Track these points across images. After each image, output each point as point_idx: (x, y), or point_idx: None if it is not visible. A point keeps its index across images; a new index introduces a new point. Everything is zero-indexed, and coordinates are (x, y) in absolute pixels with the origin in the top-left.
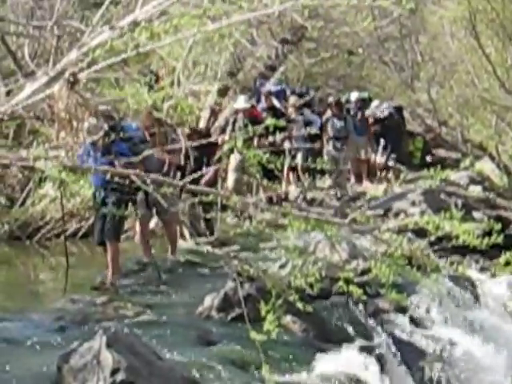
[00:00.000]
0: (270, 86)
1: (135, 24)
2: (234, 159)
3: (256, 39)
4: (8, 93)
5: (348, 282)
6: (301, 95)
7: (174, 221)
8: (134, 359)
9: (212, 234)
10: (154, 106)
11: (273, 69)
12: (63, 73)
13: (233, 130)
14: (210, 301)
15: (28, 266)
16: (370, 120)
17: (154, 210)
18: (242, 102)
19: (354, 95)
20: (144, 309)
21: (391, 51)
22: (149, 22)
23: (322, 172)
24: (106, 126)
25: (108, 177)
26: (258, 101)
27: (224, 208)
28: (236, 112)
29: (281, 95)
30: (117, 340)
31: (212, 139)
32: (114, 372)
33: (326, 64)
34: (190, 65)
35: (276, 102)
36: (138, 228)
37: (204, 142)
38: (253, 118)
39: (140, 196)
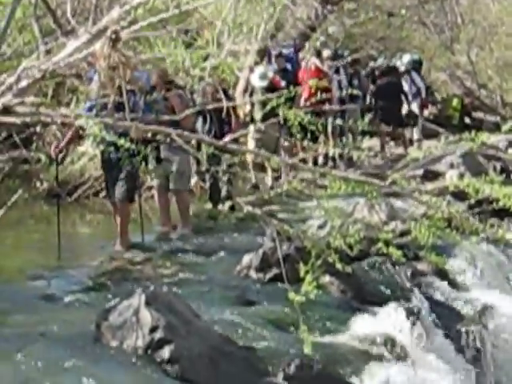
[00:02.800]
0: (281, 48)
1: None
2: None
3: None
4: (48, 51)
5: (387, 243)
6: (336, 56)
7: (185, 191)
8: (173, 318)
9: (230, 197)
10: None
11: (313, 29)
12: (105, 31)
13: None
14: (249, 260)
15: (66, 223)
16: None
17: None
18: (257, 79)
19: (406, 57)
20: (182, 267)
21: (431, 13)
22: None
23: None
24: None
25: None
26: (269, 62)
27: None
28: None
29: (292, 58)
30: (155, 298)
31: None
32: (153, 330)
33: (366, 25)
34: (230, 24)
35: (287, 65)
36: (155, 195)
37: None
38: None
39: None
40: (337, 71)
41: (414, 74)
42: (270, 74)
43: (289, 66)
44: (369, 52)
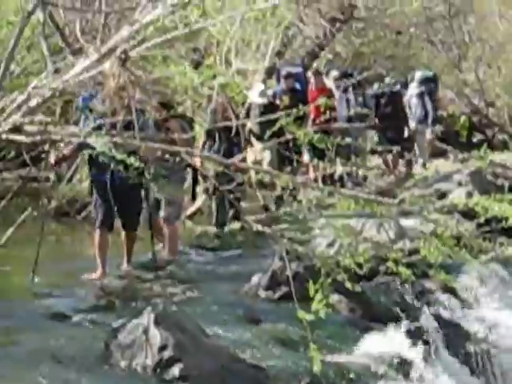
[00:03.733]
0: (290, 67)
1: (187, 2)
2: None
3: (304, 18)
4: (56, 70)
5: (397, 262)
6: (345, 75)
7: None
8: (182, 336)
9: (238, 218)
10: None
11: (321, 48)
12: (114, 50)
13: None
14: (257, 279)
15: (75, 241)
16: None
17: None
18: (256, 95)
19: (418, 75)
20: (191, 286)
21: (439, 31)
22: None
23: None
24: None
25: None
26: (278, 81)
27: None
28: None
29: (302, 77)
30: (165, 317)
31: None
32: (162, 349)
33: (374, 44)
34: (238, 43)
35: (296, 84)
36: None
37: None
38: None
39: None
40: (345, 90)
41: (427, 99)
42: (270, 93)
43: (298, 86)
44: (377, 70)
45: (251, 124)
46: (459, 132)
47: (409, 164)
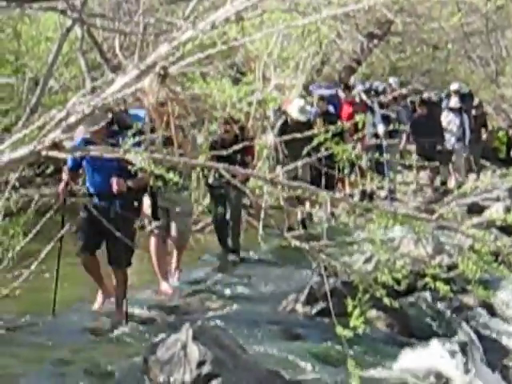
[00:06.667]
0: (322, 89)
1: (226, 19)
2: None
3: (341, 33)
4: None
5: (435, 278)
6: (376, 92)
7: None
8: (220, 352)
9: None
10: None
11: (358, 63)
12: (154, 66)
13: (282, 133)
14: (295, 295)
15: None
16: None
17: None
18: (296, 111)
19: (455, 88)
20: (228, 301)
21: (476, 46)
22: (239, 17)
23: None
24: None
25: (115, 190)
26: (311, 104)
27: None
28: (282, 111)
29: (334, 99)
30: (203, 332)
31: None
32: (200, 364)
33: (411, 59)
34: (277, 59)
35: (330, 107)
36: (152, 246)
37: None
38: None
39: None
40: (371, 109)
41: (465, 117)
42: (309, 109)
43: (331, 109)
44: (414, 86)
45: (274, 139)
46: (498, 147)
47: (445, 180)
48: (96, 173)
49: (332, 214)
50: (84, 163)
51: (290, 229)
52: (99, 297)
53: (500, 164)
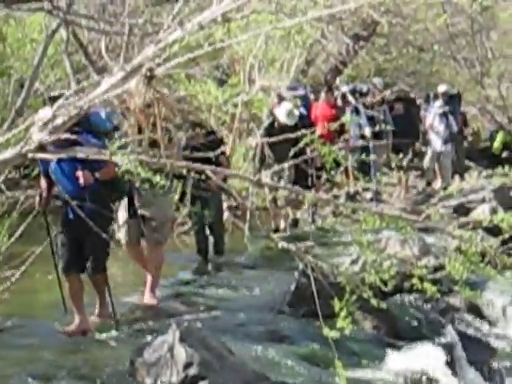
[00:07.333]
0: (291, 91)
1: (213, 20)
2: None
3: (327, 34)
4: (80, 89)
5: (422, 279)
6: (361, 93)
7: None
8: (207, 354)
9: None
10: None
11: (344, 64)
12: (140, 68)
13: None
14: (282, 296)
15: None
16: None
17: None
18: (283, 115)
19: (442, 88)
20: (215, 303)
21: (461, 47)
22: (226, 18)
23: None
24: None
25: (82, 183)
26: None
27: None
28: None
29: (304, 101)
30: (190, 334)
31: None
32: (187, 366)
33: (397, 60)
34: (262, 60)
35: (301, 109)
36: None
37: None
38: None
39: (123, 204)
40: (356, 110)
41: (451, 119)
42: (297, 113)
43: (303, 111)
44: (400, 87)
45: (260, 142)
46: (486, 148)
47: (429, 182)
48: (62, 173)
49: (313, 213)
50: (52, 166)
51: (277, 230)
52: (76, 320)
53: (485, 164)
